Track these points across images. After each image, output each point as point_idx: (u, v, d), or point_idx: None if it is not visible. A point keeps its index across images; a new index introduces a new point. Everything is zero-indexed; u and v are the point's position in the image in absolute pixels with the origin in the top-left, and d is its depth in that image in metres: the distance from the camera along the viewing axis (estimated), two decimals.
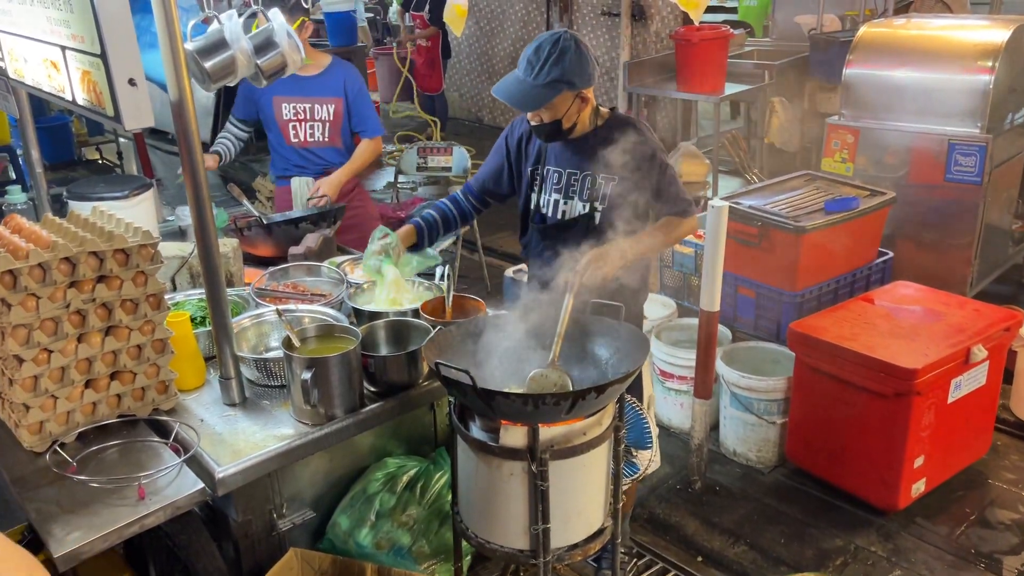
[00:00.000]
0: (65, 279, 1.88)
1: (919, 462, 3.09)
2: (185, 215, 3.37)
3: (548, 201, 2.58)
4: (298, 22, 3.01)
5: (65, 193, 3.06)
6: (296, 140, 3.63)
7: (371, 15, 11.03)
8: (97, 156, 8.22)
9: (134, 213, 2.97)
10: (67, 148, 7.38)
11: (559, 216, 2.57)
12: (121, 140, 7.54)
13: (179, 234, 3.30)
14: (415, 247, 2.68)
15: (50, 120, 7.14)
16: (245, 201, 3.32)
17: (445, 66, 8.57)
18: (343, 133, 3.67)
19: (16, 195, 2.95)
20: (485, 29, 8.60)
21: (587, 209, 2.51)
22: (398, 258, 2.57)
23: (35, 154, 2.91)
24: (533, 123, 2.48)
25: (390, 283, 2.53)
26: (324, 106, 3.60)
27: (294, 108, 3.58)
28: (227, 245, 2.66)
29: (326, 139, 3.65)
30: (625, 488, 2.59)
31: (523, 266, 4.39)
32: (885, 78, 4.37)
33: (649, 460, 2.54)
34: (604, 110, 2.55)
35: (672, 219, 2.48)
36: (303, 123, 3.61)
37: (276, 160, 3.77)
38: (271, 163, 3.86)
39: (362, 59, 8.62)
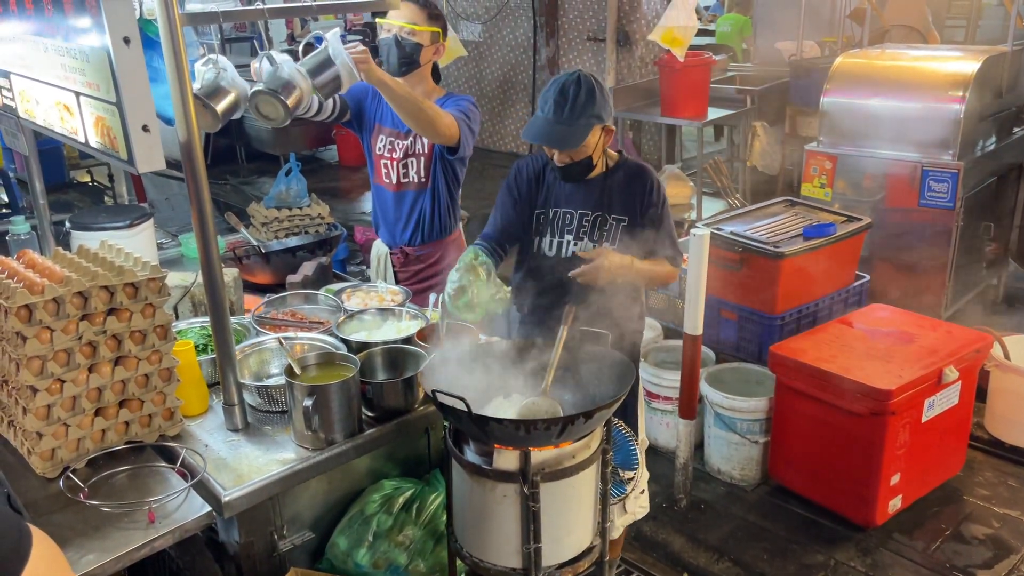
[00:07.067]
0: (78, 312, 1.96)
1: (895, 479, 3.20)
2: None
3: (554, 243, 2.62)
4: None
5: (67, 223, 3.14)
6: None
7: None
8: (88, 179, 8.29)
9: (135, 242, 3.06)
10: (59, 171, 7.43)
11: (567, 256, 2.60)
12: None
13: (178, 260, 3.39)
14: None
15: (41, 144, 7.11)
16: (243, 229, 3.41)
17: None
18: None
19: (20, 225, 3.02)
20: (474, 54, 8.72)
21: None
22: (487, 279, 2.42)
23: (39, 185, 2.99)
24: (560, 164, 2.51)
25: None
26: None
27: None
28: (228, 275, 2.75)
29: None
30: (615, 537, 2.66)
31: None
32: (861, 107, 4.52)
33: (637, 504, 2.65)
34: (612, 152, 2.61)
35: (663, 262, 2.58)
36: None
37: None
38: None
39: None
